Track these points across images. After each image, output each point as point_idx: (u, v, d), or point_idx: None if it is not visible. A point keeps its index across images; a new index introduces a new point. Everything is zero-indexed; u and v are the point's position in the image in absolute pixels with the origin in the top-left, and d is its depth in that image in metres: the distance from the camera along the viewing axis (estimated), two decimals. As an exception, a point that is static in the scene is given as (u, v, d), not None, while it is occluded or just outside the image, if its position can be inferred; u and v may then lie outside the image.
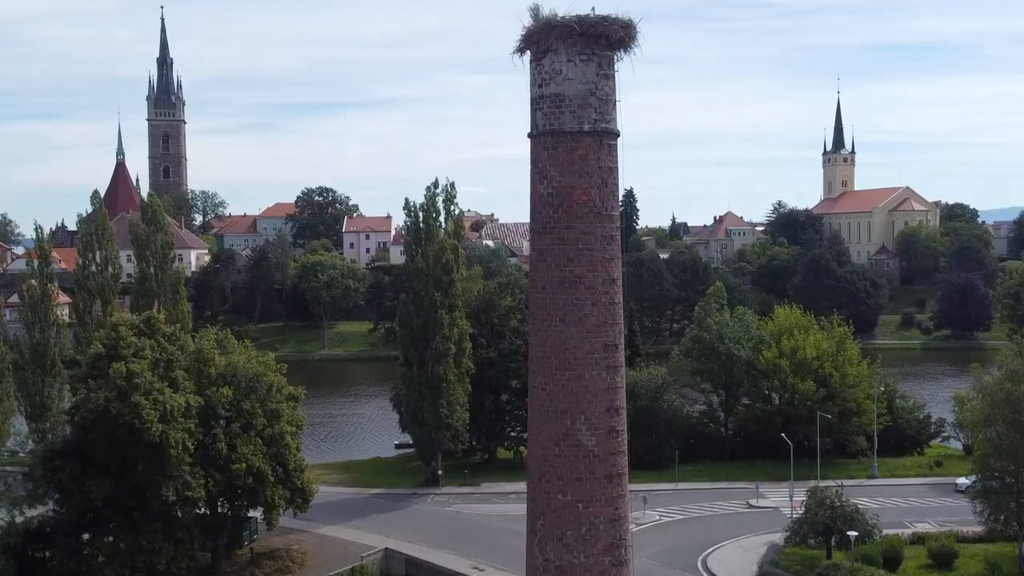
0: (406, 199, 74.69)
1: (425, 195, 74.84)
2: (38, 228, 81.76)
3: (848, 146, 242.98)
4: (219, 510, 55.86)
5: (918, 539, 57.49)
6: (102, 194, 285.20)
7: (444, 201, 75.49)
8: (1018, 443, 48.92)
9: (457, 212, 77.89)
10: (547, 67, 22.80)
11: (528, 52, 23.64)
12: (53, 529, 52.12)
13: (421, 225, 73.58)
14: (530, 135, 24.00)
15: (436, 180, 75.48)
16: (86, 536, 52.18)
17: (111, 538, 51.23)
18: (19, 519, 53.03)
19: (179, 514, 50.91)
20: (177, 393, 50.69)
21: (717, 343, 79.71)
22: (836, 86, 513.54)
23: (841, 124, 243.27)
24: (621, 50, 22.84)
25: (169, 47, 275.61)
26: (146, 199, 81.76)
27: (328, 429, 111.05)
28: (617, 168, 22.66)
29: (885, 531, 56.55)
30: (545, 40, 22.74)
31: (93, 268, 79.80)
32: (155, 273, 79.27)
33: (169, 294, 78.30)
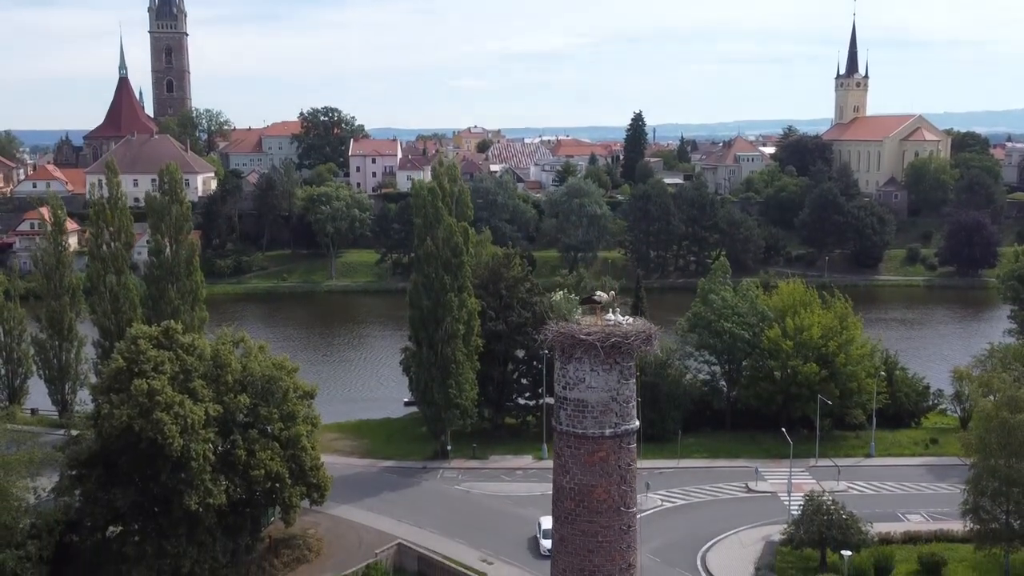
0: (414, 182, 75.20)
1: (432, 177, 75.16)
2: (55, 204, 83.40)
3: (862, 70, 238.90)
4: (239, 507, 58.08)
5: (910, 538, 59.84)
6: (105, 110, 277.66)
7: (449, 181, 75.83)
8: (1011, 467, 50.84)
9: (460, 191, 78.28)
10: (571, 373, 23.69)
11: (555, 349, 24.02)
12: (80, 524, 54.49)
13: (429, 209, 73.99)
14: (555, 429, 24.54)
15: (441, 160, 75.74)
16: (114, 529, 54.61)
17: (137, 538, 53.63)
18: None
19: (201, 517, 53.07)
20: (196, 404, 52.34)
21: (720, 322, 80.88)
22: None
23: (855, 48, 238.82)
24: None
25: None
26: (164, 168, 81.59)
27: (338, 378, 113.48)
28: (635, 462, 23.52)
29: (878, 525, 58.98)
30: (571, 350, 23.59)
31: (106, 236, 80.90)
32: (169, 244, 79.96)
33: (183, 267, 79.19)
